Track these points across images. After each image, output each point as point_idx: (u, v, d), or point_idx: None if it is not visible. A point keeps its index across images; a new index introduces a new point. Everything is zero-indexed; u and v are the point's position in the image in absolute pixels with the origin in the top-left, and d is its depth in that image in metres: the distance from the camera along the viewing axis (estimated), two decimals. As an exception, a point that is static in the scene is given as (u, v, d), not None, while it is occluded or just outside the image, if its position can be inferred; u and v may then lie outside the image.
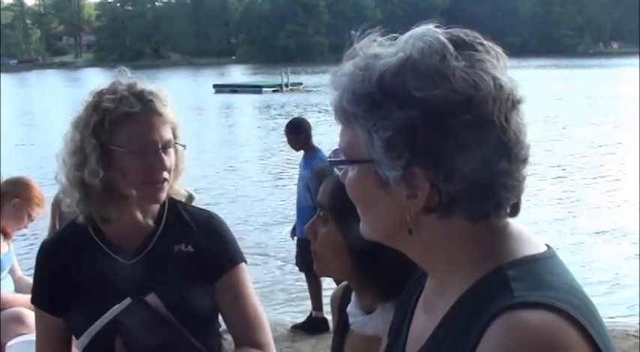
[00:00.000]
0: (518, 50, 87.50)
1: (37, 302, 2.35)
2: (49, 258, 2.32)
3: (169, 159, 2.20)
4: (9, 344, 3.89)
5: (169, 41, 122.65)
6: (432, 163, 1.11)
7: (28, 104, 44.64)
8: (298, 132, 7.42)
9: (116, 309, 2.07)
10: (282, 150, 20.08)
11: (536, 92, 33.42)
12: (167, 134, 2.20)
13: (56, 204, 6.91)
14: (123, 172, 2.16)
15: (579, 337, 1.03)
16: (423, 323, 1.27)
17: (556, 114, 29.09)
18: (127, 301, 2.07)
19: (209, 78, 60.41)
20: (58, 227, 5.94)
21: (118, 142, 2.14)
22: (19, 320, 4.24)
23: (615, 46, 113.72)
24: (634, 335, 6.62)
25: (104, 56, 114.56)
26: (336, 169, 1.30)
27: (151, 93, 2.18)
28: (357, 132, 1.17)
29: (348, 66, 1.19)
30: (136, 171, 2.15)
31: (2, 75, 68.68)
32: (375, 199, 1.18)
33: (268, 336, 2.31)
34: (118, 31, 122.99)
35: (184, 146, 2.28)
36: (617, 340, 6.37)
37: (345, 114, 1.18)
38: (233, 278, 2.29)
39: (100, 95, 2.17)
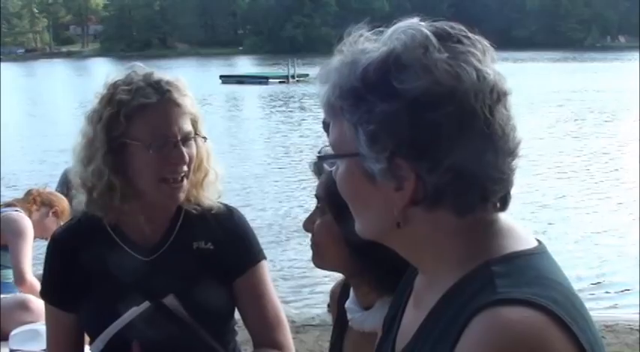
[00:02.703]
0: (525, 43, 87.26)
1: (47, 296, 2.28)
2: (60, 250, 2.24)
3: (189, 152, 2.11)
4: (12, 333, 3.88)
5: (176, 31, 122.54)
6: (416, 154, 1.11)
7: (36, 94, 44.59)
8: None
9: (133, 312, 2.01)
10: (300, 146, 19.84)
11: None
12: (186, 126, 2.11)
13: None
14: (139, 168, 2.08)
15: (561, 335, 1.03)
16: (412, 319, 1.27)
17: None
18: (146, 304, 2.01)
19: (216, 68, 60.26)
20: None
21: (135, 136, 2.06)
22: (23, 306, 4.22)
23: (622, 39, 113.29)
24: (638, 330, 6.60)
25: (111, 46, 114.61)
26: (326, 165, 1.30)
27: (168, 83, 2.10)
28: (344, 127, 1.18)
29: (335, 60, 1.20)
30: (152, 167, 2.06)
31: (9, 64, 68.64)
32: (364, 194, 1.19)
33: (287, 336, 2.25)
34: (125, 21, 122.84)
35: (205, 138, 2.19)
36: (621, 335, 6.36)
37: (333, 109, 1.19)
38: (253, 276, 2.23)
39: (114, 87, 2.09)
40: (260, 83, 47.07)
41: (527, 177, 13.62)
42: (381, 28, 1.20)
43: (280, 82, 47.29)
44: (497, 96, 1.13)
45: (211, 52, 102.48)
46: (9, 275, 4.49)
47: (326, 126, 6.58)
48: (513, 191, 1.19)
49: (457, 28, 1.17)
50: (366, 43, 1.19)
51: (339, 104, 1.17)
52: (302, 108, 31.27)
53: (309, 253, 1.87)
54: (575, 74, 50.22)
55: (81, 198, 2.16)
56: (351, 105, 1.15)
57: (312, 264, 1.89)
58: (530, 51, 72.05)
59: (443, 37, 1.14)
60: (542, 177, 15.17)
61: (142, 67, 2.16)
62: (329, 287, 2.28)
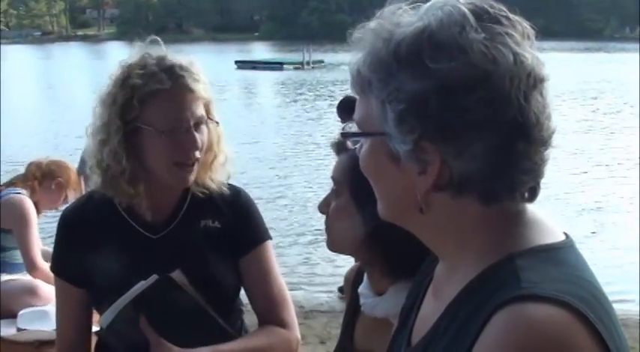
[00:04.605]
0: (543, 32, 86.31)
1: (58, 271, 2.31)
2: (71, 226, 2.27)
3: (202, 137, 2.13)
4: (21, 312, 3.91)
5: (193, 16, 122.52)
6: (443, 138, 1.07)
7: (52, 76, 44.64)
8: None
9: (141, 286, 2.03)
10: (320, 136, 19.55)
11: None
12: (199, 111, 2.12)
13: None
14: (150, 152, 2.11)
15: (586, 333, 0.99)
16: (430, 309, 1.23)
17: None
18: (153, 278, 2.04)
19: (232, 54, 60.08)
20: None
21: (147, 121, 2.08)
22: (31, 291, 4.24)
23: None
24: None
25: (127, 30, 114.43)
26: (349, 143, 1.28)
27: (181, 68, 2.11)
28: (371, 103, 1.13)
29: (369, 31, 1.15)
30: (165, 152, 2.09)
31: (26, 46, 68.65)
32: (388, 174, 1.15)
33: (292, 314, 2.30)
34: (141, 5, 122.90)
35: (218, 122, 2.21)
36: (631, 329, 6.33)
37: (361, 80, 1.15)
38: (258, 255, 2.28)
39: (129, 70, 2.10)
40: (274, 69, 47.06)
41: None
42: (420, 3, 1.15)
43: (295, 68, 47.26)
44: (533, 81, 1.08)
45: (227, 38, 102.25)
46: (15, 256, 4.48)
47: (340, 111, 6.59)
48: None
49: (497, 7, 1.12)
50: (404, 15, 1.14)
51: (367, 77, 1.13)
52: (318, 95, 31.16)
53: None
54: (603, 65, 49.08)
55: (95, 178, 2.18)
56: (380, 80, 1.11)
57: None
58: (549, 40, 71.29)
59: (481, 16, 1.09)
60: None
61: (159, 48, 2.18)
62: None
